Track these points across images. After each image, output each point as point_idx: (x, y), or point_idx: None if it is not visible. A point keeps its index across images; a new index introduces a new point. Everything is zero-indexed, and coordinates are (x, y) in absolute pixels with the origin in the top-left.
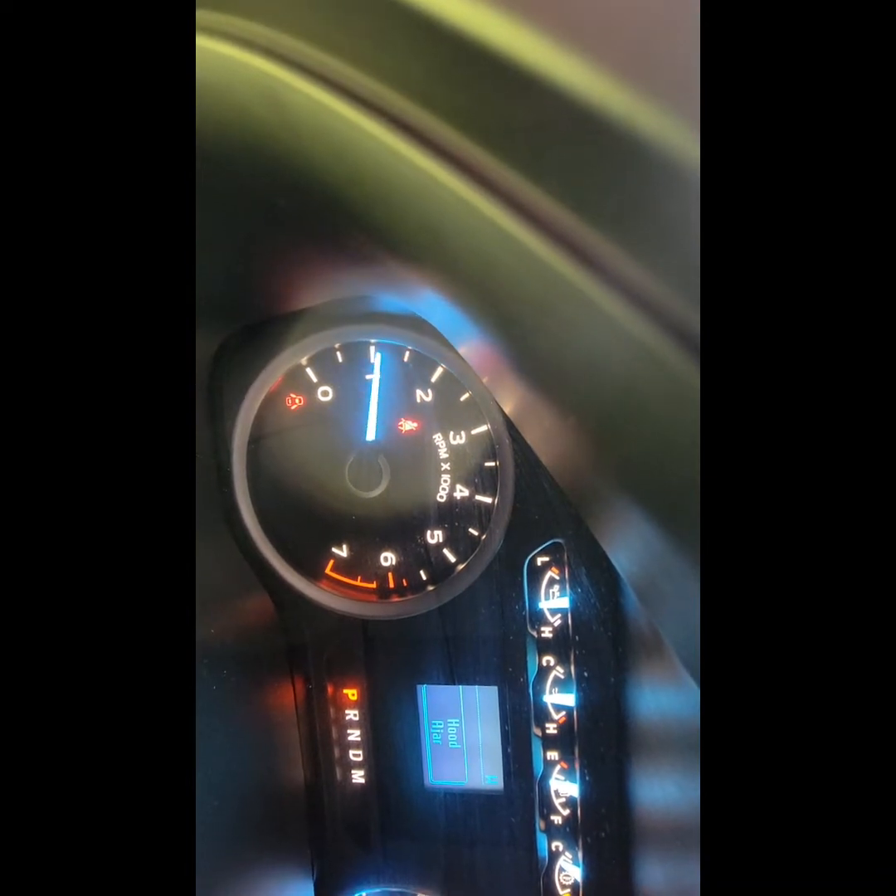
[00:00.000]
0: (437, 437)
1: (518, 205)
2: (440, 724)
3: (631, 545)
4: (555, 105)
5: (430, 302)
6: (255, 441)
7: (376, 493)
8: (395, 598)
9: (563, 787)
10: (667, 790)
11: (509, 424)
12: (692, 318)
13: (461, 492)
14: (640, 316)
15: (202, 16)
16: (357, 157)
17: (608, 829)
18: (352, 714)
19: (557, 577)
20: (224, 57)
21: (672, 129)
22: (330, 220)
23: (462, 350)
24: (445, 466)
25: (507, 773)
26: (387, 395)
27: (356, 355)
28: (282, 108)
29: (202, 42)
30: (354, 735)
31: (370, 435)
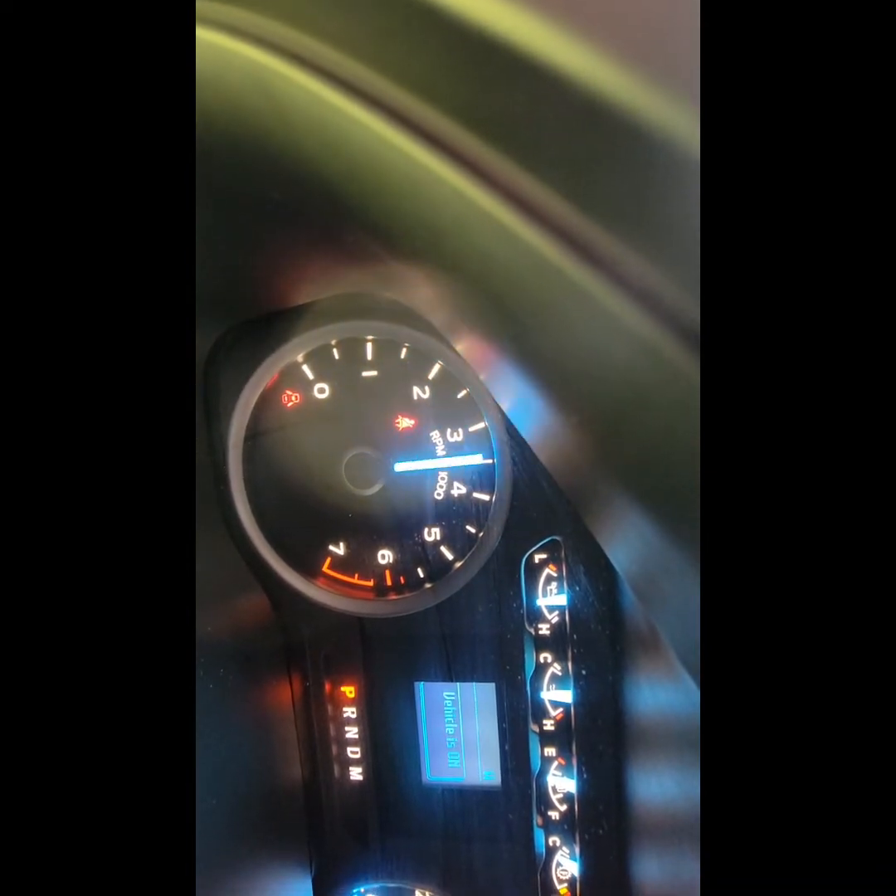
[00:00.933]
0: (435, 434)
1: (517, 198)
2: (438, 720)
3: (629, 542)
4: (555, 94)
5: (427, 298)
6: (252, 438)
7: (374, 490)
8: (393, 596)
9: (561, 783)
10: (664, 786)
11: (507, 421)
12: (694, 313)
13: (458, 489)
14: (641, 311)
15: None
16: (353, 150)
17: (605, 825)
18: (349, 711)
19: (555, 575)
20: (215, 46)
21: (676, 118)
22: (326, 214)
23: (459, 346)
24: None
25: (505, 770)
26: (384, 392)
27: (353, 352)
28: (275, 99)
29: None
30: (352, 732)
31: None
